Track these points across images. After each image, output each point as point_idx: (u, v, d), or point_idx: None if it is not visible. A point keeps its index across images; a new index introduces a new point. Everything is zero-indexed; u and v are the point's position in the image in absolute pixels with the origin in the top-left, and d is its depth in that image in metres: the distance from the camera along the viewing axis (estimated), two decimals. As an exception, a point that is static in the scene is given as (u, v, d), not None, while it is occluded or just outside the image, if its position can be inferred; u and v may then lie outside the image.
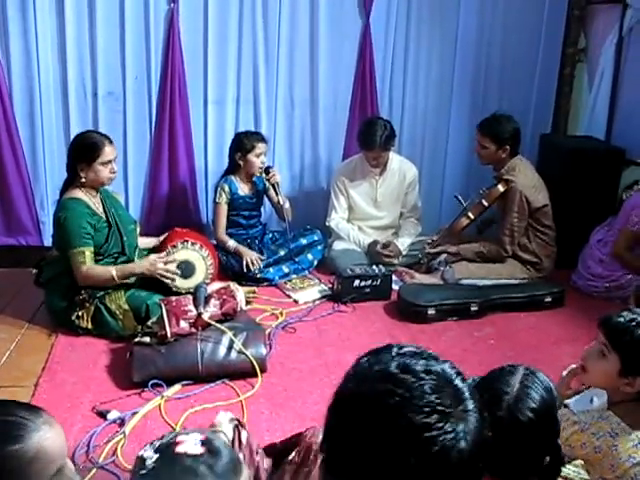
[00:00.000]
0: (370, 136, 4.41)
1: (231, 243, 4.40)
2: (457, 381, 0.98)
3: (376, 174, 4.62)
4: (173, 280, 3.70)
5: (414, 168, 4.72)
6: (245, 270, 4.29)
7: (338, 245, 4.62)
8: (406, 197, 4.71)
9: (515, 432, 1.59)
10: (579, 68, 5.15)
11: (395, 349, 1.01)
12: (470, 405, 0.96)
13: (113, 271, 3.55)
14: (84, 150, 3.57)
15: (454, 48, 4.95)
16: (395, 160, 4.67)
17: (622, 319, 2.06)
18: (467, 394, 0.97)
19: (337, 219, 4.68)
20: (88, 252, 3.51)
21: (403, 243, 4.60)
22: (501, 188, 4.29)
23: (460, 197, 4.45)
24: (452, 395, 0.95)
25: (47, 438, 1.27)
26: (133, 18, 4.42)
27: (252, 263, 4.30)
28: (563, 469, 2.27)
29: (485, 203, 4.34)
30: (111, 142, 3.62)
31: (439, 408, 0.91)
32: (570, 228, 4.45)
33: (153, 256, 3.70)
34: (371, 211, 4.73)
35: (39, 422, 1.28)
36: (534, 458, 1.62)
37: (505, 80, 5.07)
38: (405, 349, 1.01)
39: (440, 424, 0.90)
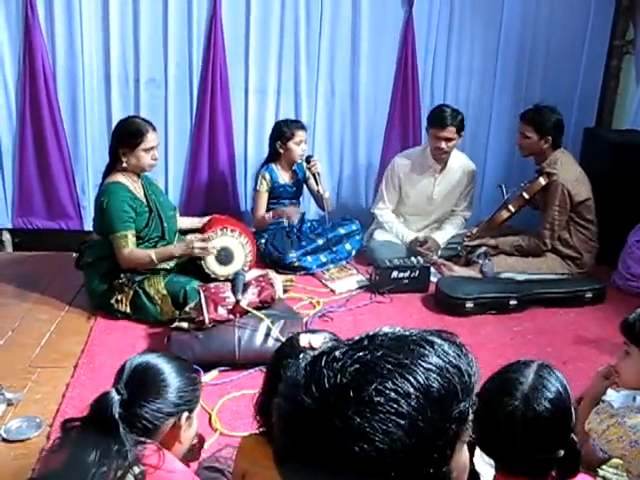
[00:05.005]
0: (443, 113, 4.30)
1: (269, 213, 4.45)
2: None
3: (436, 171, 4.50)
4: (215, 261, 3.71)
5: (473, 165, 4.61)
6: (287, 224, 4.40)
7: (379, 236, 4.58)
8: (461, 197, 4.62)
9: (530, 423, 1.58)
10: (626, 60, 5.02)
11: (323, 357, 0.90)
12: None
13: (152, 254, 3.58)
14: (127, 135, 3.60)
15: (497, 40, 4.87)
16: (457, 157, 4.56)
17: (635, 314, 2.13)
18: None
19: (383, 210, 4.62)
20: (130, 235, 3.54)
21: (443, 237, 4.54)
22: (542, 181, 4.22)
23: (504, 187, 4.39)
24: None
25: None
26: (176, 5, 4.44)
27: (290, 217, 4.39)
28: (600, 470, 2.26)
29: (526, 196, 4.28)
30: (154, 129, 3.65)
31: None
32: (613, 224, 4.36)
33: (190, 236, 3.72)
34: (424, 207, 4.62)
35: None
36: (548, 451, 1.61)
37: (549, 72, 4.97)
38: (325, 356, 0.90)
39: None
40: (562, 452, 1.61)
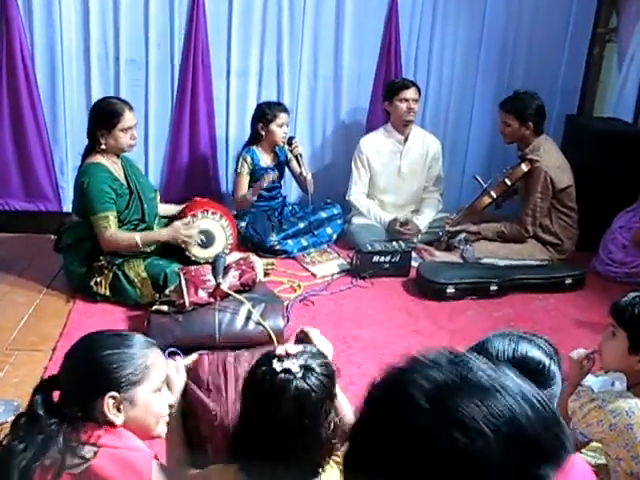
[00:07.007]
0: (399, 79, 4.55)
1: (249, 192, 4.38)
2: None
3: (400, 142, 4.56)
4: (196, 244, 3.68)
5: (437, 140, 4.69)
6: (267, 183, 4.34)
7: (358, 220, 4.58)
8: (430, 170, 4.66)
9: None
10: (609, 48, 5.03)
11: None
12: None
13: (137, 237, 3.54)
14: (104, 117, 3.55)
15: (482, 25, 4.85)
16: (418, 131, 4.65)
17: (626, 298, 2.14)
18: None
19: (357, 194, 4.62)
20: (112, 216, 3.50)
21: (423, 222, 4.55)
22: (525, 167, 4.23)
23: (479, 178, 4.39)
24: None
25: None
26: (158, -16, 4.37)
27: (267, 180, 4.32)
28: (580, 454, 2.27)
29: (508, 182, 4.29)
30: (131, 108, 3.60)
31: None
32: (593, 211, 4.38)
33: (177, 223, 3.68)
34: (394, 182, 4.64)
35: None
36: None
37: (532, 59, 4.97)
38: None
39: None
40: None
